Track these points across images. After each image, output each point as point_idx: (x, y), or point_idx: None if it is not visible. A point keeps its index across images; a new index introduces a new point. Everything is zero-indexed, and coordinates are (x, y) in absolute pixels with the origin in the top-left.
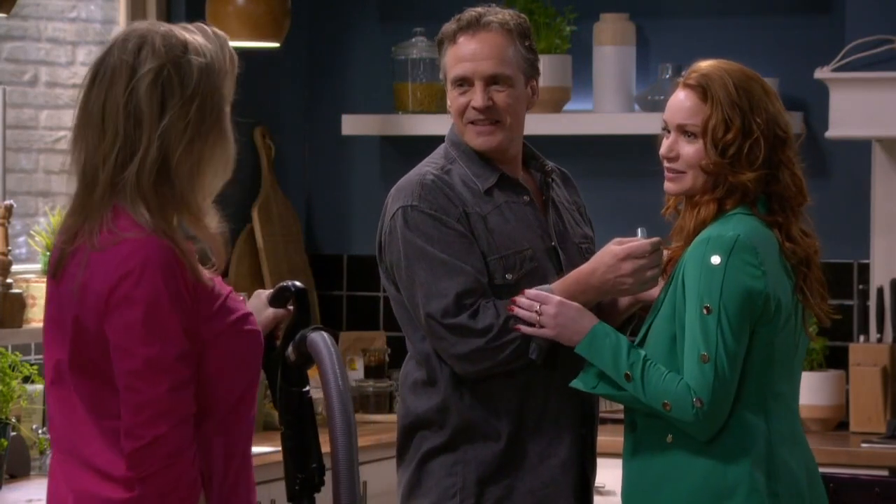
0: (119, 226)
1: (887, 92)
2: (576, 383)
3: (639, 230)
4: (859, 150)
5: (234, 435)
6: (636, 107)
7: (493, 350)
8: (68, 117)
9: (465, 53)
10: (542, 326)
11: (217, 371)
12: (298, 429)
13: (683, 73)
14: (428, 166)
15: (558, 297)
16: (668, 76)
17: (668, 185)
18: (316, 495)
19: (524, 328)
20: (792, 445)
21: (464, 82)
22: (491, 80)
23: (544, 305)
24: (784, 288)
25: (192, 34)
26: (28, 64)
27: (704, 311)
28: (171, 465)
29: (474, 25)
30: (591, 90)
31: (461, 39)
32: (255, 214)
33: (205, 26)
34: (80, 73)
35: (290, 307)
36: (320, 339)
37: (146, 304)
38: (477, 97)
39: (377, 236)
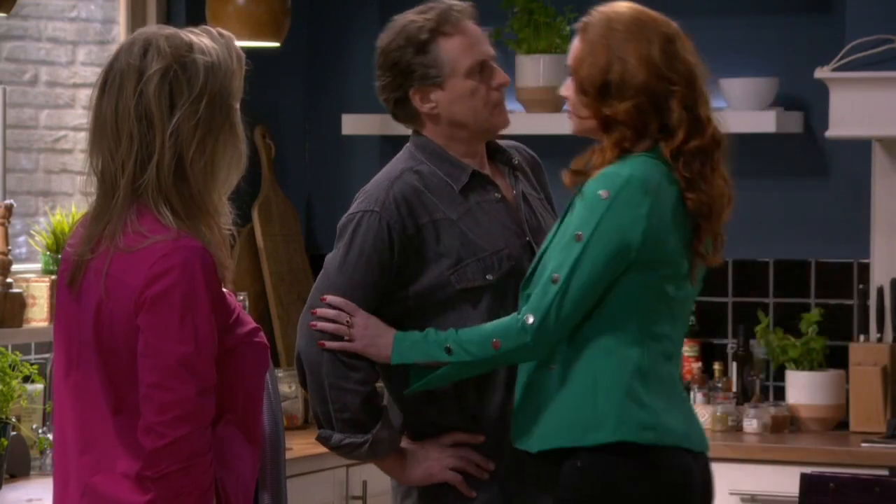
0: (146, 227)
1: (887, 92)
2: (413, 389)
3: None
4: (859, 150)
5: (236, 445)
6: None
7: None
8: (68, 117)
9: (475, 38)
10: (350, 340)
11: (227, 381)
12: None
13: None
14: (400, 165)
15: (363, 310)
16: None
17: (570, 126)
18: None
19: (331, 343)
20: (659, 383)
21: (484, 66)
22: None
23: (354, 317)
24: (673, 234)
25: (198, 35)
26: (28, 64)
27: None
28: (188, 467)
29: (466, 13)
30: None
31: (463, 27)
32: (255, 214)
33: (210, 28)
34: (80, 72)
35: None
36: None
37: (185, 304)
38: (501, 74)
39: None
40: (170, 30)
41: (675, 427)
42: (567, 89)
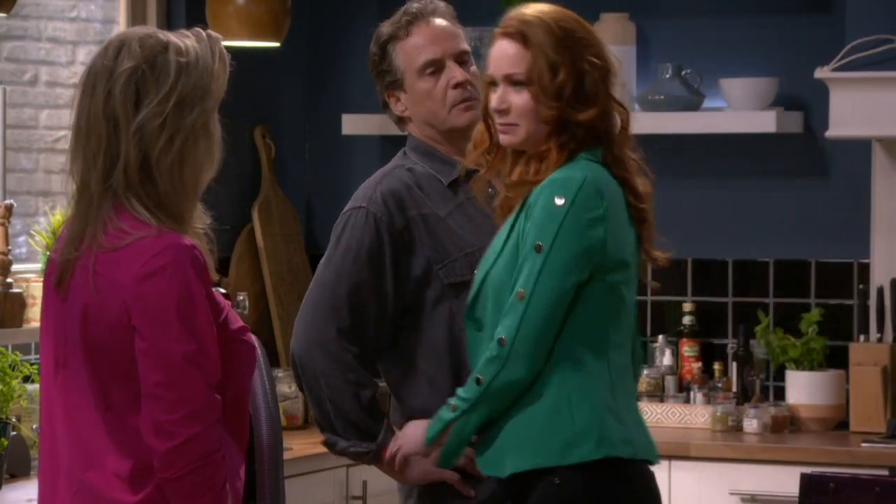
0: (126, 224)
1: (887, 92)
2: (442, 462)
3: None
4: (859, 150)
5: (223, 444)
6: (636, 107)
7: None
8: (68, 117)
9: (431, 38)
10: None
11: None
12: None
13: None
14: (392, 163)
15: (399, 430)
16: (668, 76)
17: (503, 139)
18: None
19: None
20: (623, 394)
21: (439, 65)
22: (459, 58)
23: (397, 440)
24: (627, 235)
25: (181, 37)
26: (28, 64)
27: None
28: (203, 466)
29: (427, 14)
30: None
31: (416, 29)
32: (255, 214)
33: (200, 30)
34: (80, 72)
35: None
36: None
37: (181, 302)
38: (457, 72)
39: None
40: (148, 31)
41: (643, 439)
42: (517, 100)
